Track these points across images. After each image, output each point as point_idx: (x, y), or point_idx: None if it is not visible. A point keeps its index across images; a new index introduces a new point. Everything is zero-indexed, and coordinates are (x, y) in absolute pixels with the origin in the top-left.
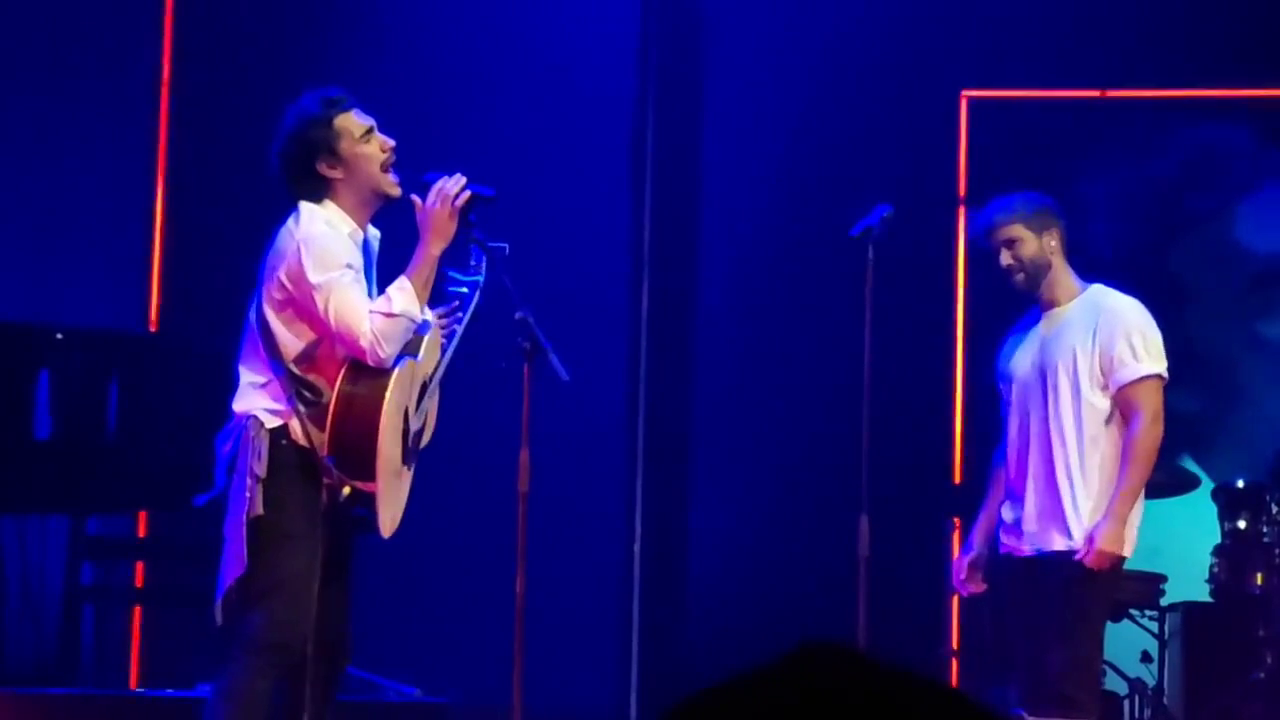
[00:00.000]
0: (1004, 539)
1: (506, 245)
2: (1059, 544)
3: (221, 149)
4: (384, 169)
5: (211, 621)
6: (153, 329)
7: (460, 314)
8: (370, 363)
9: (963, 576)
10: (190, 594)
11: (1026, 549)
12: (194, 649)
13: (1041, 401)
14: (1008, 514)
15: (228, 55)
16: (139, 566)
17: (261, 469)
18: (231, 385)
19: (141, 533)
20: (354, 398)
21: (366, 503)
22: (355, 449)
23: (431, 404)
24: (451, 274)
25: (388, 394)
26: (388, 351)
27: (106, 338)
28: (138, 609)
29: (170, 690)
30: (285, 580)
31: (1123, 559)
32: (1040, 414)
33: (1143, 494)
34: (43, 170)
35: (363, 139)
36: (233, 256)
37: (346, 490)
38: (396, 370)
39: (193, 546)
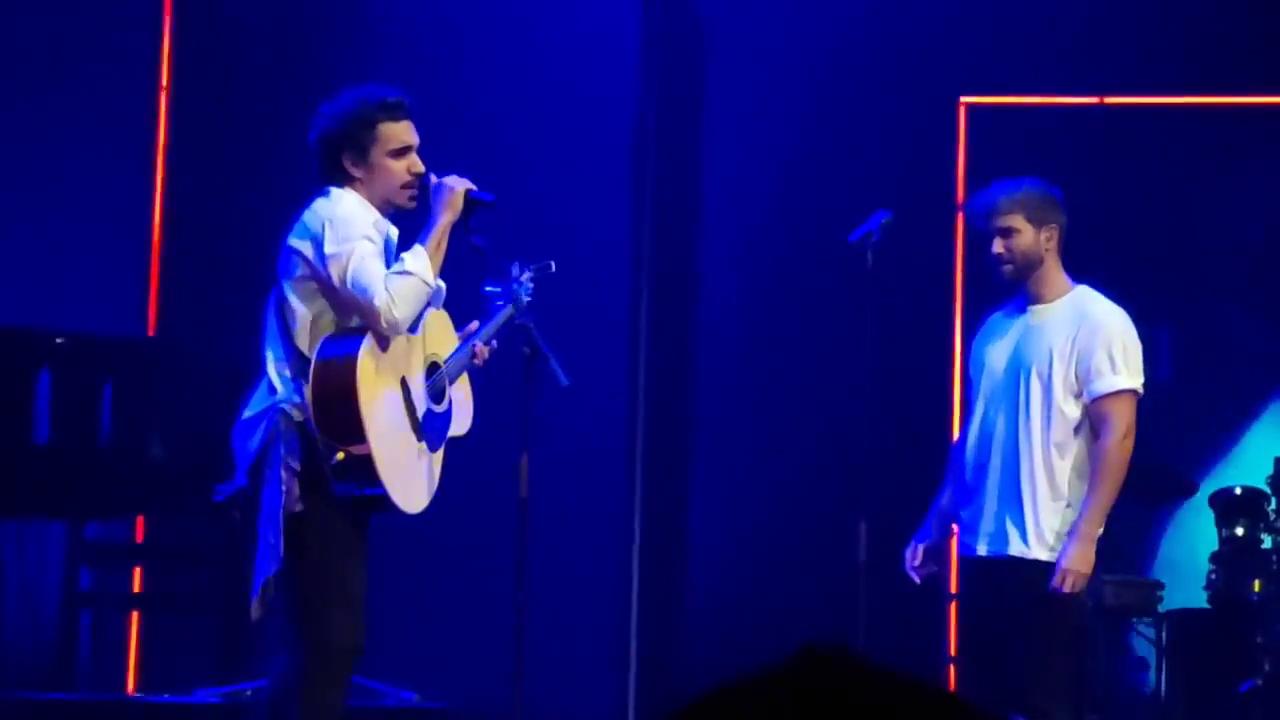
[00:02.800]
0: (960, 537)
1: (553, 263)
2: (1016, 549)
3: (220, 153)
4: (402, 187)
5: (210, 625)
6: (151, 334)
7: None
8: (385, 325)
9: (915, 562)
10: (188, 599)
11: (982, 549)
12: (192, 654)
13: (1012, 399)
14: (964, 511)
15: (226, 59)
16: (137, 571)
17: (297, 461)
18: (228, 389)
19: (139, 538)
20: (329, 359)
21: (367, 471)
22: (337, 409)
23: (460, 394)
24: (488, 287)
25: (361, 350)
26: (402, 313)
27: (105, 343)
28: (135, 614)
29: (168, 695)
30: (340, 581)
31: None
32: (1009, 412)
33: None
34: (42, 175)
35: (394, 153)
36: (231, 261)
37: (340, 456)
38: (370, 331)
39: (191, 552)
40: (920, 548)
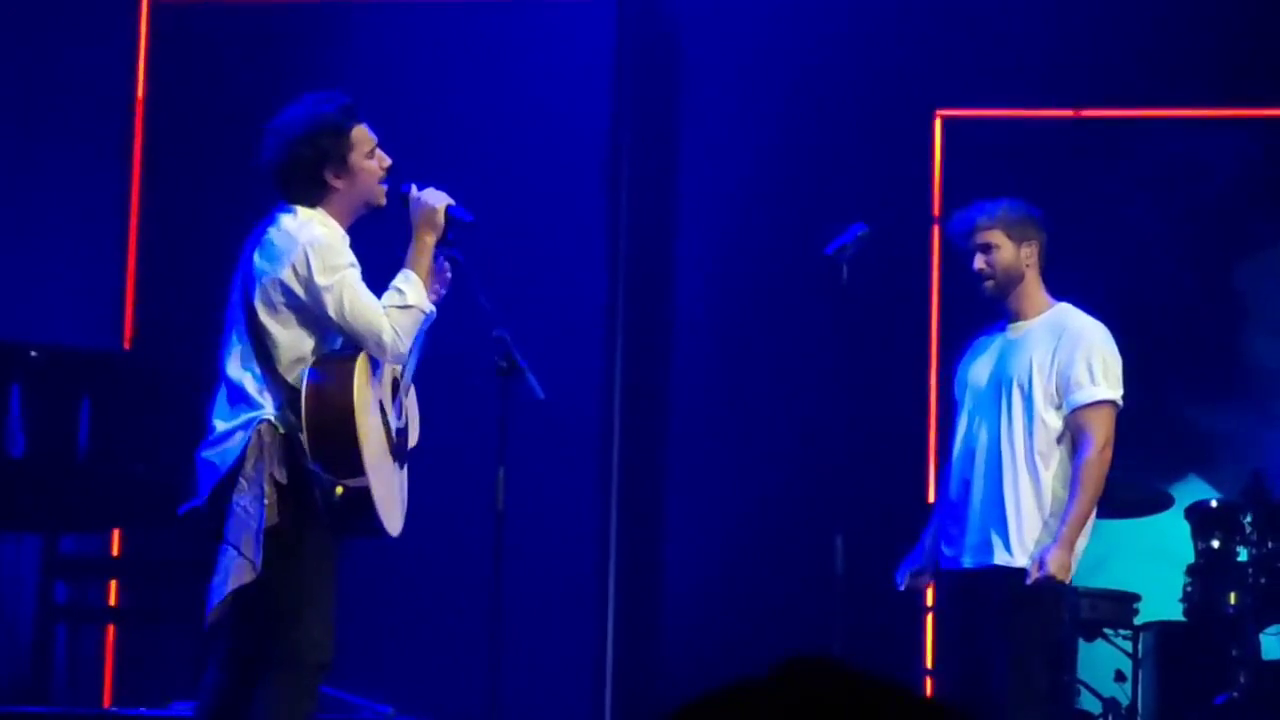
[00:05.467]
0: (945, 550)
1: (458, 254)
2: (999, 558)
3: (196, 166)
4: (379, 184)
5: (187, 638)
6: (126, 347)
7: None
8: (388, 358)
9: (904, 585)
10: (164, 613)
11: (967, 562)
12: (168, 667)
13: (994, 413)
14: (949, 526)
15: (202, 74)
16: (112, 585)
17: (283, 475)
18: (206, 402)
19: (115, 551)
20: (322, 391)
21: (363, 501)
22: (337, 444)
23: (411, 404)
24: None
25: (355, 379)
26: (405, 345)
27: (80, 356)
28: (111, 628)
29: (144, 709)
30: (316, 596)
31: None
32: (992, 426)
33: (1092, 516)
34: (17, 188)
35: (369, 154)
36: (207, 275)
37: (339, 490)
38: (359, 357)
39: (166, 565)
40: (910, 570)
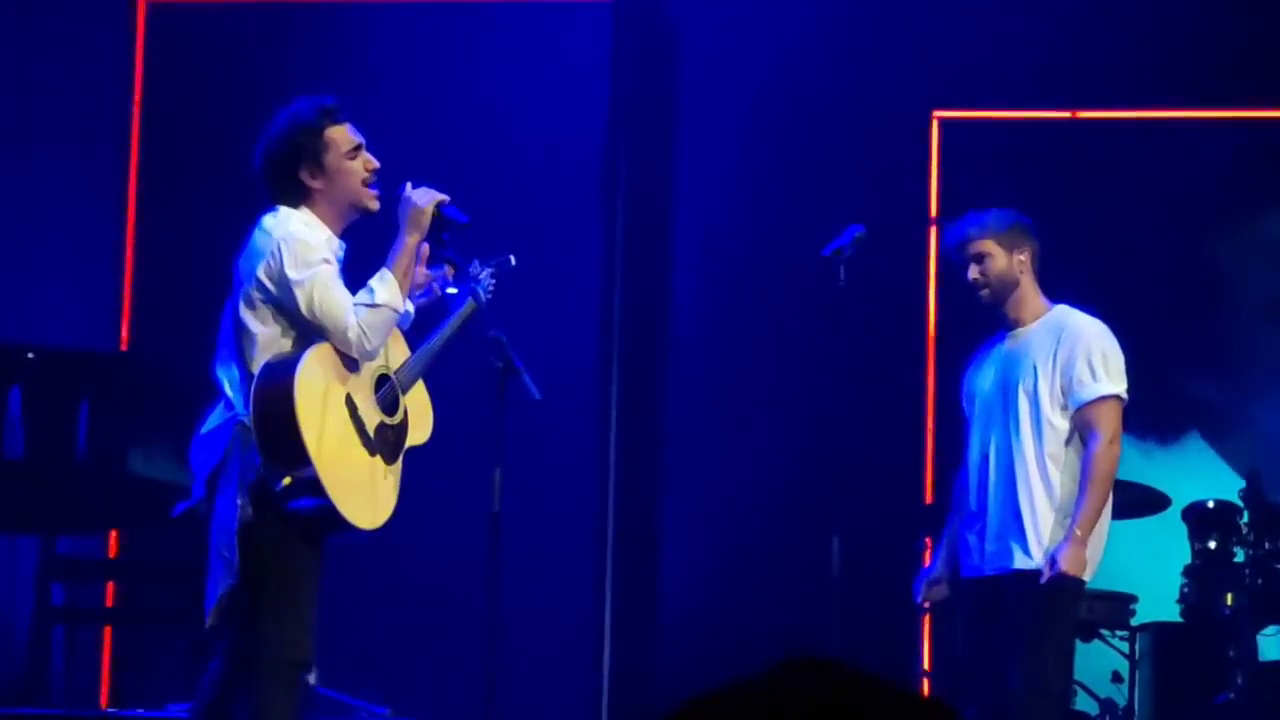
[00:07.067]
0: (966, 560)
1: (512, 257)
2: (1019, 562)
3: (192, 169)
4: (364, 185)
5: (183, 639)
6: (123, 349)
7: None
8: (355, 355)
9: (921, 598)
10: (160, 614)
11: (988, 569)
12: (164, 669)
13: (1002, 420)
14: (969, 535)
15: (198, 76)
16: (109, 586)
17: (252, 474)
18: (201, 404)
19: (112, 553)
20: (266, 385)
21: (316, 493)
22: (278, 435)
23: (415, 402)
24: (449, 289)
25: (298, 373)
26: (374, 344)
27: (77, 357)
28: (108, 629)
29: (140, 710)
30: (293, 595)
31: (1083, 581)
32: (1001, 433)
33: (1108, 516)
34: (14, 189)
35: (349, 154)
36: (203, 276)
37: (287, 481)
38: (317, 348)
39: (163, 566)
40: (926, 581)
